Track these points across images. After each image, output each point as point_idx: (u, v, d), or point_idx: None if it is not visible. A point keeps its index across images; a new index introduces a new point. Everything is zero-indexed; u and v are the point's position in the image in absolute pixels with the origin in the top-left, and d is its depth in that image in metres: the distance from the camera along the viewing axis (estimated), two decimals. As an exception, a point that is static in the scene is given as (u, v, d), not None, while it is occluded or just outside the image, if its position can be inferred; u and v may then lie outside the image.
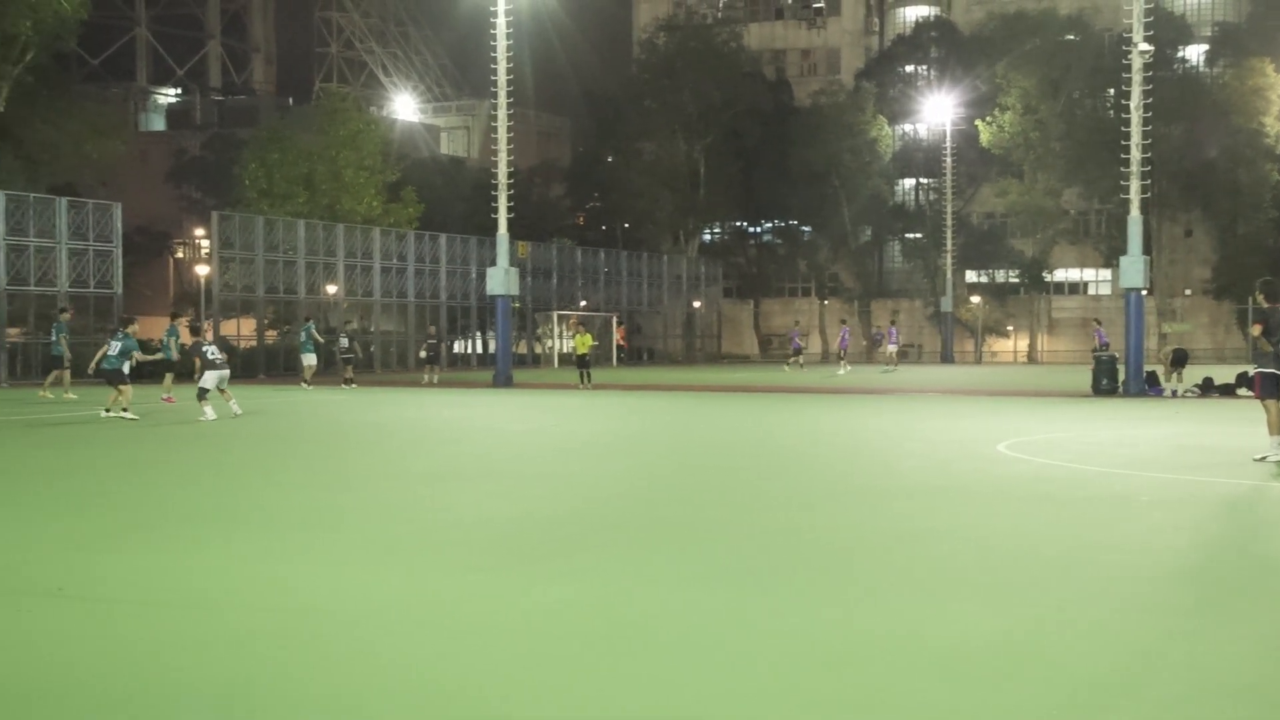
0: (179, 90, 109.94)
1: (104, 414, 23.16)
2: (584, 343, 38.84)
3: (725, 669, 5.94)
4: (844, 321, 60.67)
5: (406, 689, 5.64)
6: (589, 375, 37.67)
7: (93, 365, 24.82)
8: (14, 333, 40.11)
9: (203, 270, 63.02)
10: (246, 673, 5.88)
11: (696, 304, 76.82)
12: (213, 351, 23.74)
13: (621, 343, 64.06)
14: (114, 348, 24.07)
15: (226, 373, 23.90)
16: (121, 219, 43.18)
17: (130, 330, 24.69)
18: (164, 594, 7.62)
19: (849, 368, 49.58)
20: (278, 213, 52.42)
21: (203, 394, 23.00)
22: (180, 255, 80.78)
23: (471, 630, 6.70)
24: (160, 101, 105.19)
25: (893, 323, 61.41)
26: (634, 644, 6.41)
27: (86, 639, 6.53)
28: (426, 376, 40.30)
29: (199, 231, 70.05)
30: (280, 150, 56.04)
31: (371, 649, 6.31)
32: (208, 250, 56.43)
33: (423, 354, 41.91)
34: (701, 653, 6.22)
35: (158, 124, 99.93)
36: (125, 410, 22.99)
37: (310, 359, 37.91)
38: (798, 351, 53.27)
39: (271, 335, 52.13)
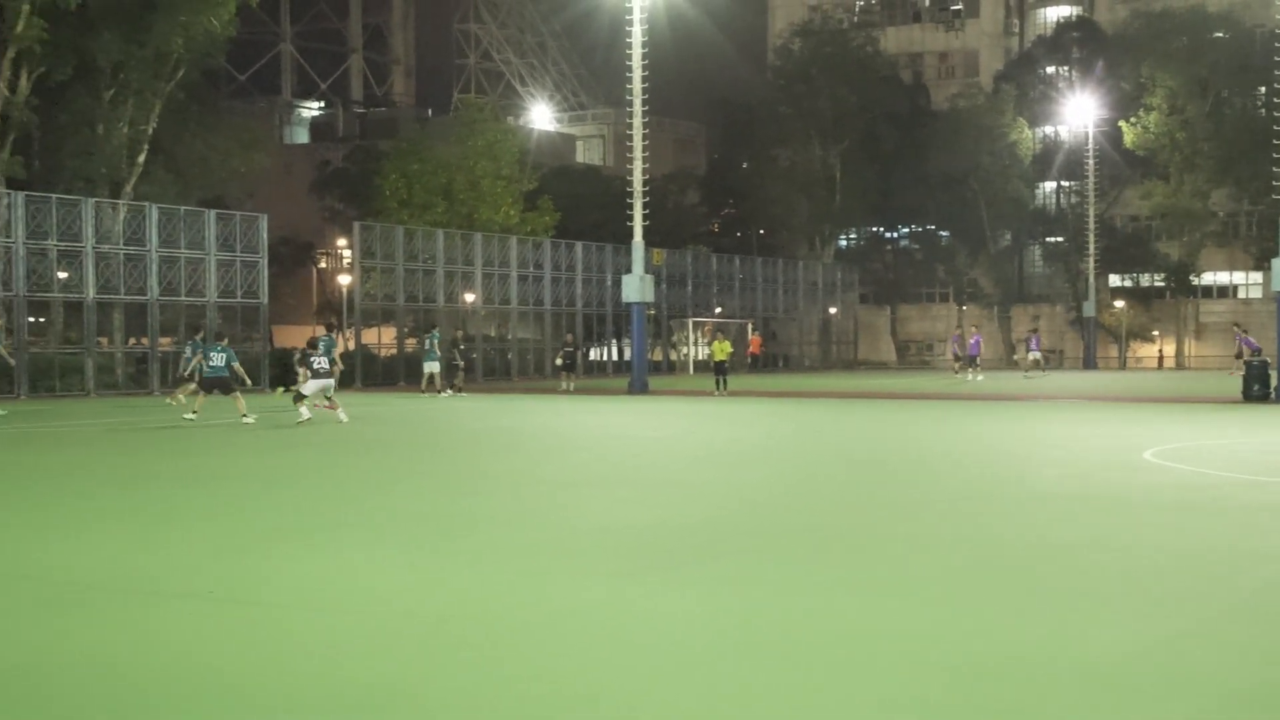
0: (322, 103, 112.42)
1: (246, 420, 23.92)
2: (721, 349, 38.67)
3: (863, 679, 5.87)
4: (976, 327, 59.48)
5: (542, 694, 5.67)
6: (725, 382, 37.54)
7: (186, 371, 26.37)
8: (165, 342, 41.29)
9: (345, 280, 64.31)
10: (387, 676, 5.96)
11: (832, 310, 76.26)
12: (319, 362, 24.64)
13: (755, 351, 63.73)
14: (218, 358, 24.86)
15: (330, 383, 24.90)
16: (267, 230, 44.22)
17: (224, 342, 25.85)
18: (309, 597, 7.78)
19: (980, 375, 48.34)
20: (417, 222, 53.25)
21: (300, 398, 24.42)
22: (323, 265, 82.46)
23: (606, 636, 6.71)
24: (304, 115, 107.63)
25: (1034, 330, 60.22)
26: (770, 652, 6.37)
27: (235, 641, 6.68)
28: (564, 384, 40.61)
29: (341, 241, 71.44)
30: (420, 161, 56.95)
31: (507, 654, 6.36)
32: (349, 260, 57.56)
33: (559, 361, 42.24)
34: (838, 663, 6.15)
35: (301, 137, 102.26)
36: (191, 412, 25.21)
37: (433, 366, 38.32)
38: (956, 358, 51.68)
39: (411, 343, 52.96)
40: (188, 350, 30.24)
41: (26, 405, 32.63)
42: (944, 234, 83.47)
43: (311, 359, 24.91)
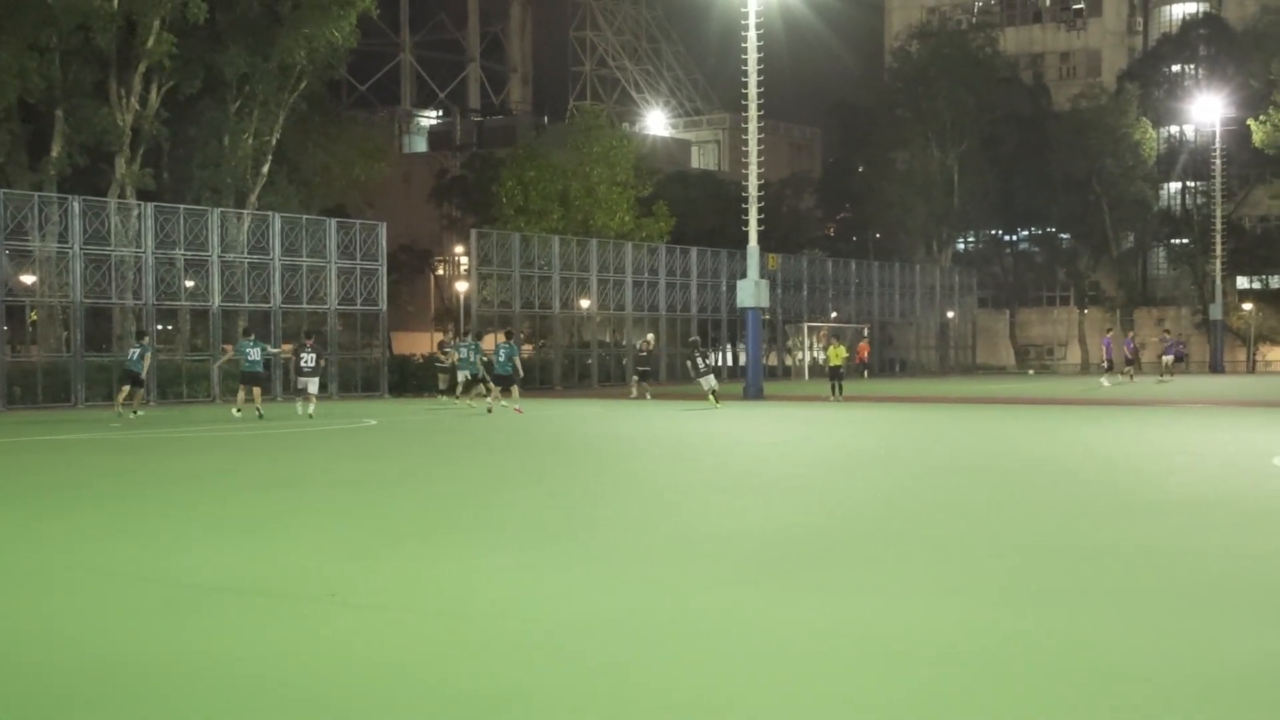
0: (440, 112, 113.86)
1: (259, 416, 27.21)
2: (836, 354, 38.44)
3: (982, 687, 5.77)
4: (1109, 330, 58.13)
5: (663, 703, 5.66)
6: (840, 387, 37.31)
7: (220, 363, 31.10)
8: (287, 348, 42.08)
9: (462, 286, 65.03)
10: (510, 683, 5.99)
11: (950, 314, 75.38)
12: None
13: (862, 358, 63.24)
14: (254, 353, 28.07)
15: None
16: (386, 238, 44.87)
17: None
18: (429, 602, 7.85)
19: (1108, 380, 47.09)
20: (533, 229, 53.67)
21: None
22: (441, 272, 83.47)
23: (728, 644, 6.68)
24: (423, 123, 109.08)
25: (1167, 331, 58.82)
26: (894, 660, 6.29)
27: (357, 644, 6.76)
28: (634, 391, 40.08)
29: (458, 249, 72.25)
30: (536, 168, 57.40)
31: (629, 661, 6.36)
32: (467, 267, 58.18)
33: (638, 368, 41.59)
34: (958, 671, 6.06)
35: (420, 145, 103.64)
36: (239, 411, 27.94)
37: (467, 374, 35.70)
38: (1128, 361, 50.36)
39: (528, 349, 53.39)
40: (134, 352, 29.92)
41: (154, 412, 33.44)
42: (1065, 236, 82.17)
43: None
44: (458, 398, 34.64)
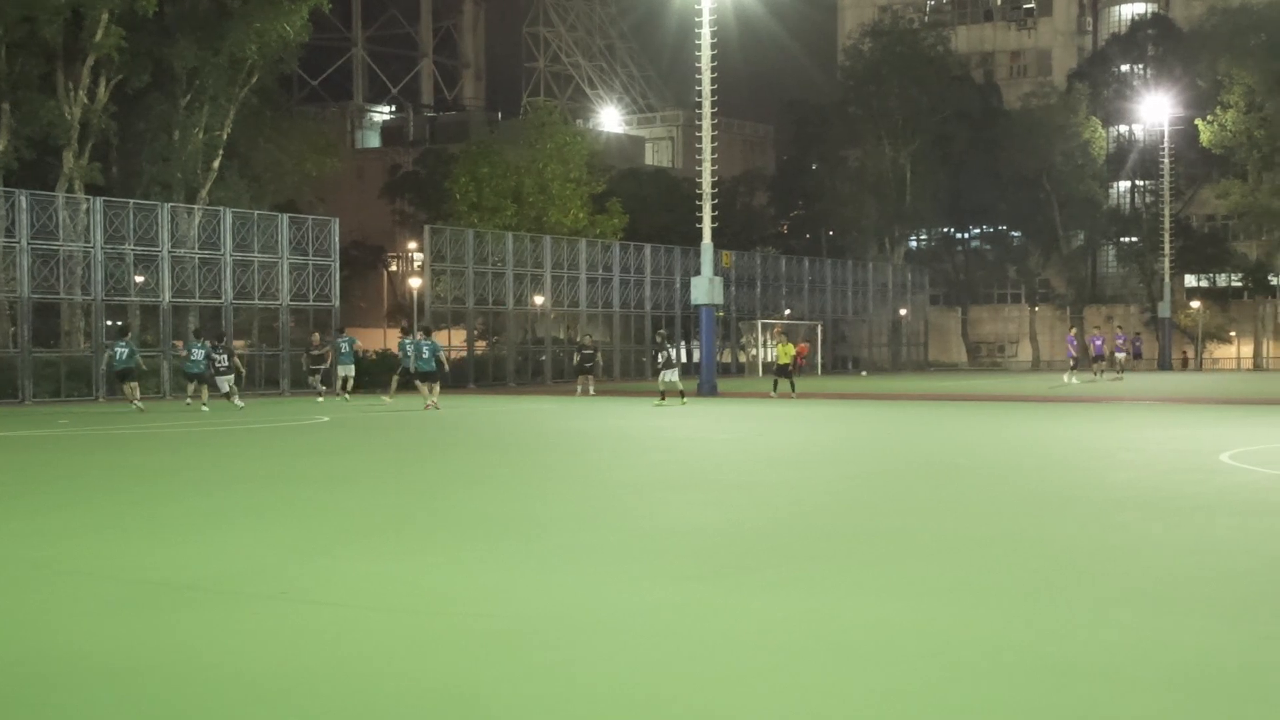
0: (393, 108, 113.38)
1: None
2: (785, 352, 38.72)
3: (932, 683, 5.80)
4: (1072, 328, 58.34)
5: (612, 698, 5.66)
6: (793, 384, 37.46)
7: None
8: (240, 345, 41.77)
9: (415, 283, 64.80)
10: (461, 678, 5.98)
11: (903, 312, 75.83)
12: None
13: (800, 360, 63.49)
14: (198, 353, 31.12)
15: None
16: (339, 234, 44.64)
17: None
18: (378, 599, 7.81)
19: (1076, 378, 46.75)
20: (487, 225, 53.56)
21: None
22: (394, 268, 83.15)
23: (677, 640, 6.69)
24: (375, 119, 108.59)
25: (1120, 328, 59.31)
26: (849, 656, 6.31)
27: (308, 641, 6.73)
28: (580, 387, 39.95)
29: (412, 245, 72.06)
30: (489, 164, 57.29)
31: (579, 657, 6.35)
32: (420, 263, 57.99)
33: (576, 362, 41.58)
34: (907, 667, 6.09)
35: (373, 141, 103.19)
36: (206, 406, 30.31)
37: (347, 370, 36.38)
38: (1097, 359, 50.71)
39: (481, 346, 53.26)
40: (121, 351, 31.14)
41: (105, 407, 33.13)
42: (1016, 234, 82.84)
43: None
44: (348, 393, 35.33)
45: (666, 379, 33.19)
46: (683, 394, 33.31)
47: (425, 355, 31.60)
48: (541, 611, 7.38)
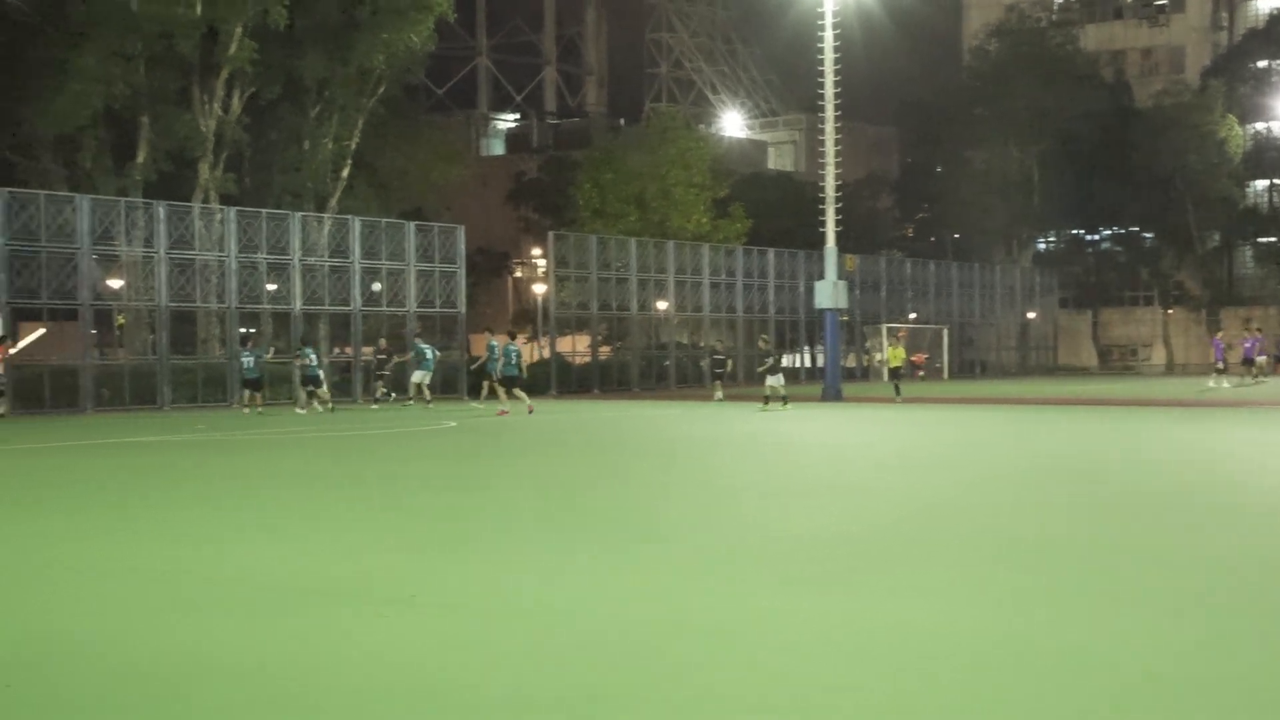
0: (517, 115, 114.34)
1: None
2: (896, 355, 38.67)
3: (1049, 693, 5.69)
4: (1219, 332, 55.95)
5: (726, 704, 5.64)
6: (898, 388, 37.50)
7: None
8: (368, 351, 42.45)
9: (539, 289, 65.30)
10: (583, 683, 6.01)
11: (1031, 315, 74.57)
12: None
13: (919, 364, 62.84)
14: (249, 360, 33.03)
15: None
16: (464, 241, 45.14)
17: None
18: (505, 602, 7.89)
19: (1228, 382, 44.82)
20: (610, 231, 53.78)
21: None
22: (518, 274, 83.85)
23: (794, 646, 6.65)
24: (499, 127, 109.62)
25: (1259, 330, 57.57)
26: (973, 667, 6.22)
27: (437, 644, 6.81)
28: (717, 393, 39.78)
29: (536, 251, 72.56)
30: (612, 170, 57.52)
31: (695, 663, 6.35)
32: (544, 269, 58.42)
33: (706, 367, 41.33)
34: (1049, 682, 5.98)
35: (497, 149, 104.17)
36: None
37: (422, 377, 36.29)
38: (1248, 360, 46.86)
39: (605, 351, 53.51)
40: (249, 360, 33.85)
41: (235, 414, 33.90)
42: (1148, 235, 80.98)
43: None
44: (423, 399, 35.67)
45: (771, 384, 33.10)
46: (785, 399, 33.05)
47: (514, 360, 31.73)
48: (658, 616, 7.38)
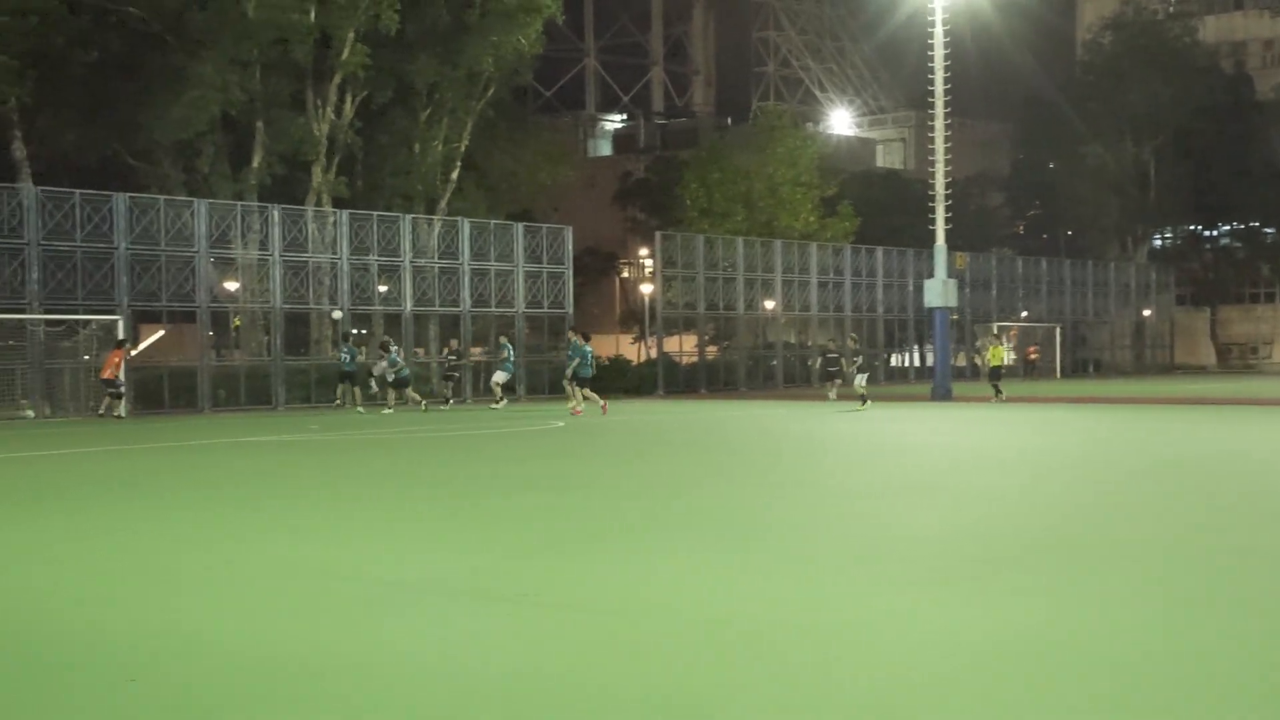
0: (624, 116, 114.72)
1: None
2: (996, 355, 38.18)
3: (1182, 698, 5.58)
4: None
5: (846, 706, 5.61)
6: (998, 389, 37.02)
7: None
8: (476, 351, 42.87)
9: (647, 289, 65.43)
10: (692, 683, 6.02)
11: (1146, 313, 73.12)
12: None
13: (1031, 359, 61.78)
14: (346, 357, 34.58)
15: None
16: (572, 241, 45.39)
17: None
18: (617, 602, 7.93)
19: None
20: (717, 231, 53.75)
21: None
22: (626, 274, 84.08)
23: (909, 648, 6.60)
24: (607, 127, 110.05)
25: None
26: (1083, 667, 6.13)
27: (549, 643, 6.87)
28: (830, 393, 39.12)
29: (643, 251, 72.70)
30: (719, 169, 57.49)
31: (806, 665, 6.32)
32: (651, 269, 58.54)
33: (817, 366, 40.82)
34: (1161, 682, 5.87)
35: (604, 149, 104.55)
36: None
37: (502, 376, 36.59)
38: None
39: (712, 351, 53.47)
40: (345, 356, 35.17)
41: (348, 415, 34.39)
42: (1269, 231, 78.98)
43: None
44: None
45: (860, 384, 32.97)
46: (864, 399, 32.74)
47: (588, 360, 31.81)
48: (769, 617, 7.37)
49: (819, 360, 39.93)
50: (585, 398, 31.48)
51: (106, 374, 31.99)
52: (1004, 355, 38.65)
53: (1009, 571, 8.81)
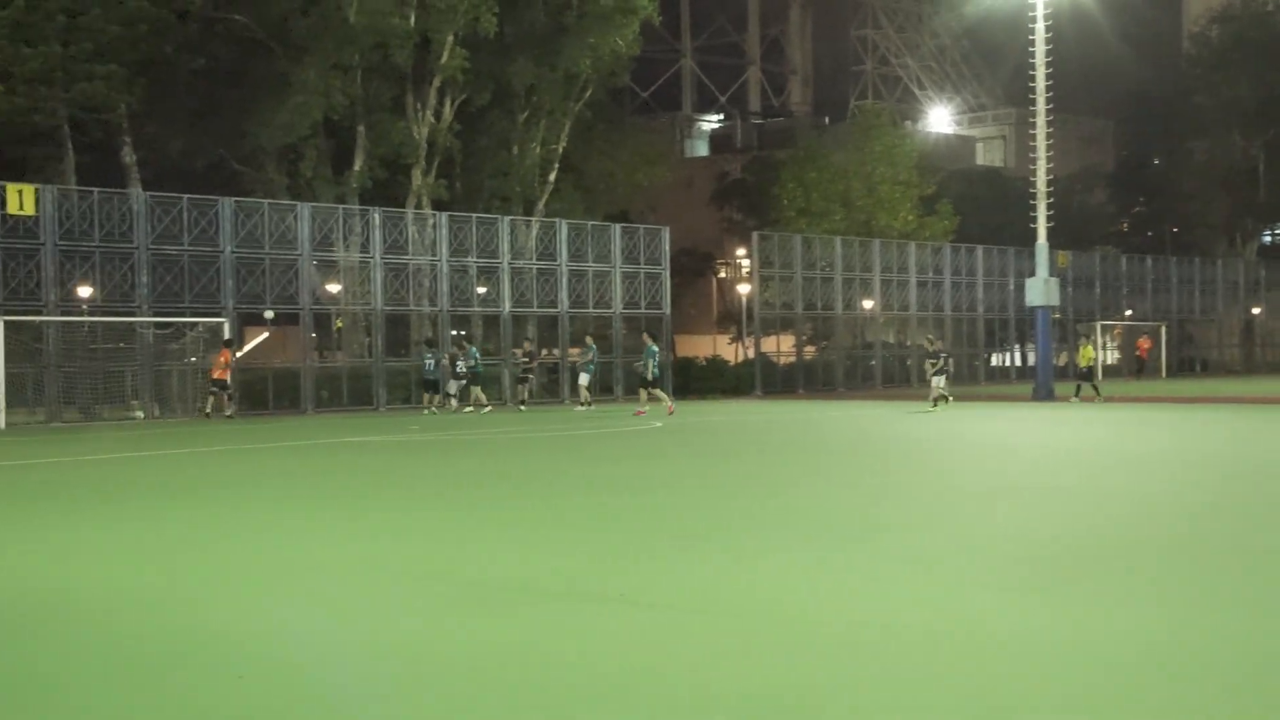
0: (721, 116, 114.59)
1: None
2: (1086, 355, 37.50)
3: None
4: None
5: (950, 709, 5.55)
6: (1096, 387, 36.53)
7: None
8: (574, 353, 43.03)
9: (744, 289, 65.30)
10: (799, 685, 6.00)
11: (1255, 310, 71.47)
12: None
13: (1142, 354, 60.55)
14: (430, 363, 35.01)
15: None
16: (669, 242, 45.42)
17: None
18: (716, 603, 7.91)
19: None
20: (814, 230, 53.50)
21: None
22: (723, 275, 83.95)
23: (1016, 653, 6.51)
24: (703, 128, 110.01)
25: None
26: (1195, 674, 6.01)
27: (649, 644, 6.87)
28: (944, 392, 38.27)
29: (740, 251, 72.56)
30: (817, 169, 57.22)
31: (910, 666, 6.27)
32: (749, 269, 58.40)
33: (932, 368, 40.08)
34: (1269, 690, 5.74)
35: (701, 150, 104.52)
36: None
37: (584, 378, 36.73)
38: None
39: (810, 351, 53.22)
40: (429, 362, 35.70)
41: (450, 416, 34.70)
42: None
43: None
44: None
45: (936, 385, 32.39)
46: (935, 401, 32.12)
47: (657, 362, 32.01)
48: (872, 619, 7.31)
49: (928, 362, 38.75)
50: (651, 397, 31.95)
51: (216, 374, 32.78)
52: (1094, 355, 37.96)
53: (1108, 576, 8.66)
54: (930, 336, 36.93)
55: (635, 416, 30.38)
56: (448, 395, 35.69)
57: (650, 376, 32.21)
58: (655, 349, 32.56)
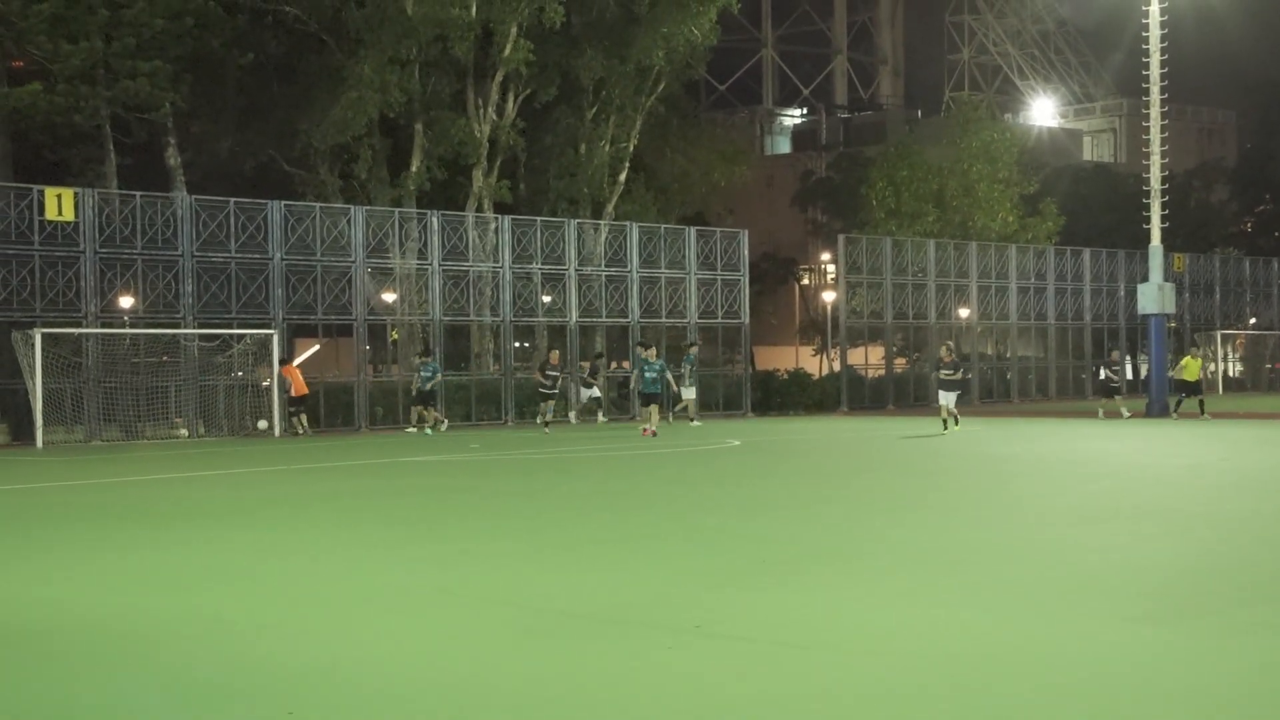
0: (804, 110, 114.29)
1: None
2: (1193, 368, 36.66)
3: None
4: None
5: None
6: (1202, 404, 35.88)
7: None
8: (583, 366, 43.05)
9: (829, 296, 65.12)
10: (889, 719, 5.98)
11: (1394, 319, 70.13)
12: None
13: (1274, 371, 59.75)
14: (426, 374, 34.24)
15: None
16: (748, 246, 45.29)
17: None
18: (796, 634, 7.90)
19: None
20: (906, 233, 53.23)
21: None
22: (806, 281, 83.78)
23: (1138, 691, 6.45)
24: (785, 123, 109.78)
25: None
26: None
27: (725, 677, 6.88)
28: (1123, 409, 37.30)
29: (825, 255, 72.40)
30: (909, 166, 56.91)
31: (1024, 703, 6.22)
32: (834, 275, 58.24)
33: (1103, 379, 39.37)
34: None
35: (783, 146, 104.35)
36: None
37: (689, 392, 36.90)
38: None
39: (900, 363, 52.94)
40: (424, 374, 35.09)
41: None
42: None
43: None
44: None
45: (944, 402, 31.67)
46: (946, 422, 31.39)
47: (652, 376, 31.77)
48: (976, 652, 7.27)
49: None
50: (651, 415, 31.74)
51: (295, 392, 34.22)
52: (1199, 369, 37.16)
53: (1246, 605, 8.55)
54: (949, 344, 35.91)
55: (643, 436, 30.25)
56: (572, 407, 35.84)
57: (643, 392, 32.39)
58: (654, 362, 32.64)
